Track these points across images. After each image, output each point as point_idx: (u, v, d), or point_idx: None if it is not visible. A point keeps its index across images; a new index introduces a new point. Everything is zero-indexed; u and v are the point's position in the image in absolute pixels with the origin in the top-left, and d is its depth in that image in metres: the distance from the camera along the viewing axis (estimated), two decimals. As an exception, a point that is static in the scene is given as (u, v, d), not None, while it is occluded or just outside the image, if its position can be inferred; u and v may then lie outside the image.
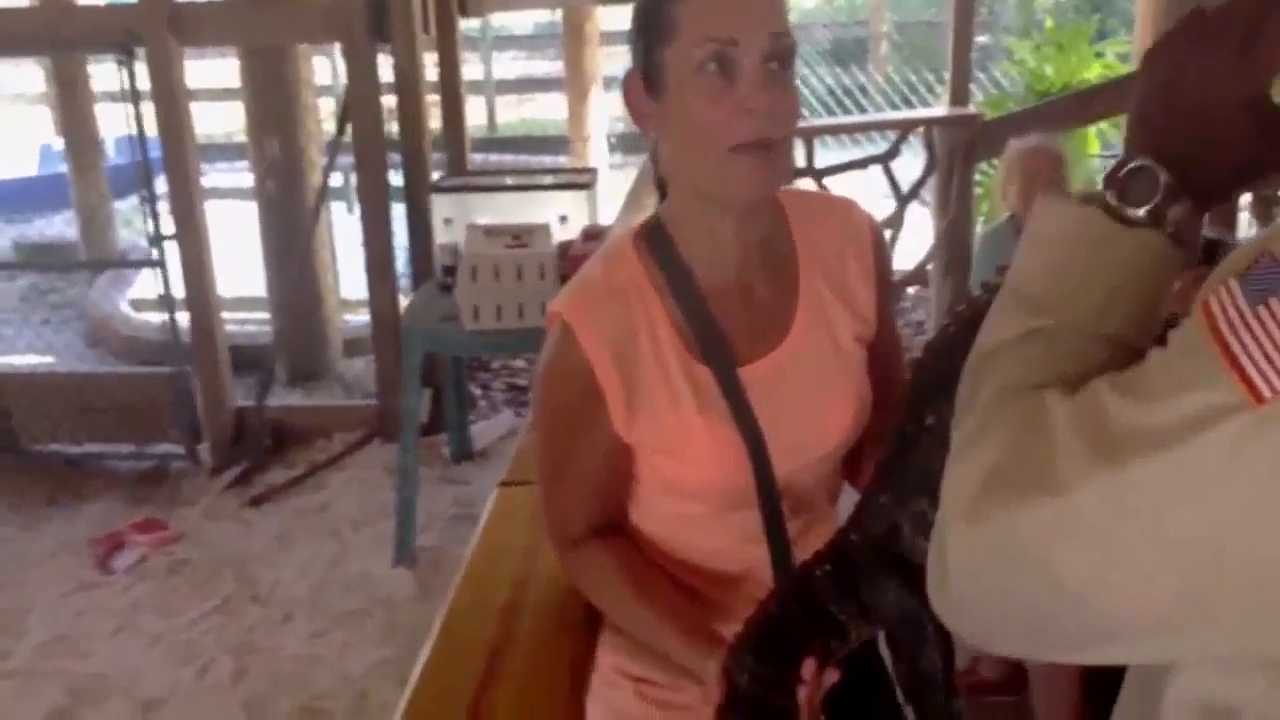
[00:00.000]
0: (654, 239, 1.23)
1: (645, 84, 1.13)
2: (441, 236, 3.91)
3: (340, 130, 4.28)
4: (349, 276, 5.23)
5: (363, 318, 4.79)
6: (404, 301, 4.22)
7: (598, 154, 6.75)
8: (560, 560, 1.31)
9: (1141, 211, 0.70)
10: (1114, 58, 5.56)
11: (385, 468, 4.15)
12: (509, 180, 4.24)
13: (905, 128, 4.46)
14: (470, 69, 4.86)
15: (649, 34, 1.12)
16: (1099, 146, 5.27)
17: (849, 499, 1.36)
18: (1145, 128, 0.72)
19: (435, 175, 4.36)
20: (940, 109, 4.84)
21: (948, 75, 4.59)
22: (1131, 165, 0.71)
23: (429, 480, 3.95)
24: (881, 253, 1.31)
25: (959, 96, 4.56)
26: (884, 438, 1.21)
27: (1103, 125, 5.10)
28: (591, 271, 1.25)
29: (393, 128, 4.24)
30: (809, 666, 1.07)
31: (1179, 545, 0.60)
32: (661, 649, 1.22)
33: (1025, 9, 7.96)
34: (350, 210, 8.09)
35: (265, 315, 5.18)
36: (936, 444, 1.01)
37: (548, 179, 4.31)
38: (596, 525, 1.29)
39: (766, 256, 1.24)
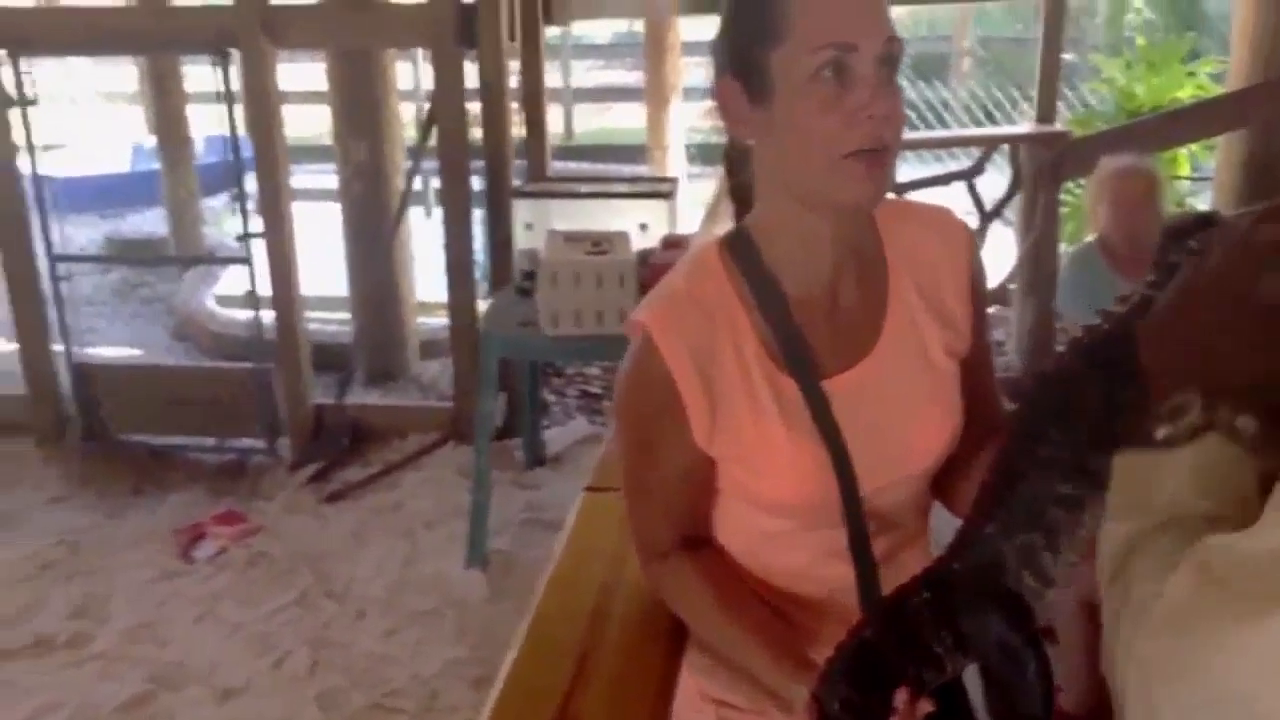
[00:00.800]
0: (739, 248, 1.21)
1: (745, 88, 1.11)
2: (521, 242, 3.95)
3: (425, 135, 4.34)
4: (426, 280, 5.31)
5: (440, 320, 4.84)
6: (482, 306, 4.26)
7: (676, 163, 6.76)
8: (645, 572, 1.30)
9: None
10: (1207, 78, 5.43)
11: (459, 470, 4.18)
12: (589, 188, 4.27)
13: (990, 144, 4.41)
14: (549, 77, 4.89)
15: (752, 36, 1.09)
16: (1189, 168, 5.15)
17: (940, 519, 1.35)
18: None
19: (515, 182, 4.40)
20: (1026, 126, 4.77)
21: (1033, 92, 4.53)
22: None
23: (501, 484, 3.98)
24: (977, 265, 1.27)
25: (1046, 113, 4.49)
26: (982, 460, 1.19)
27: (1194, 147, 4.99)
28: (674, 281, 1.23)
29: (474, 134, 4.28)
30: (901, 696, 1.05)
31: None
32: (747, 668, 1.21)
33: (1114, 27, 7.81)
34: (429, 215, 8.20)
35: (346, 315, 5.26)
36: (1049, 476, 1.00)
37: (628, 187, 4.32)
38: (681, 538, 1.28)
39: (858, 267, 1.22)
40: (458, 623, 3.39)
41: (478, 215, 4.36)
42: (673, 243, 3.65)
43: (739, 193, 1.26)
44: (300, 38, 4.39)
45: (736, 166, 1.24)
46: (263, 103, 4.20)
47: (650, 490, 1.26)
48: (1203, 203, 5.24)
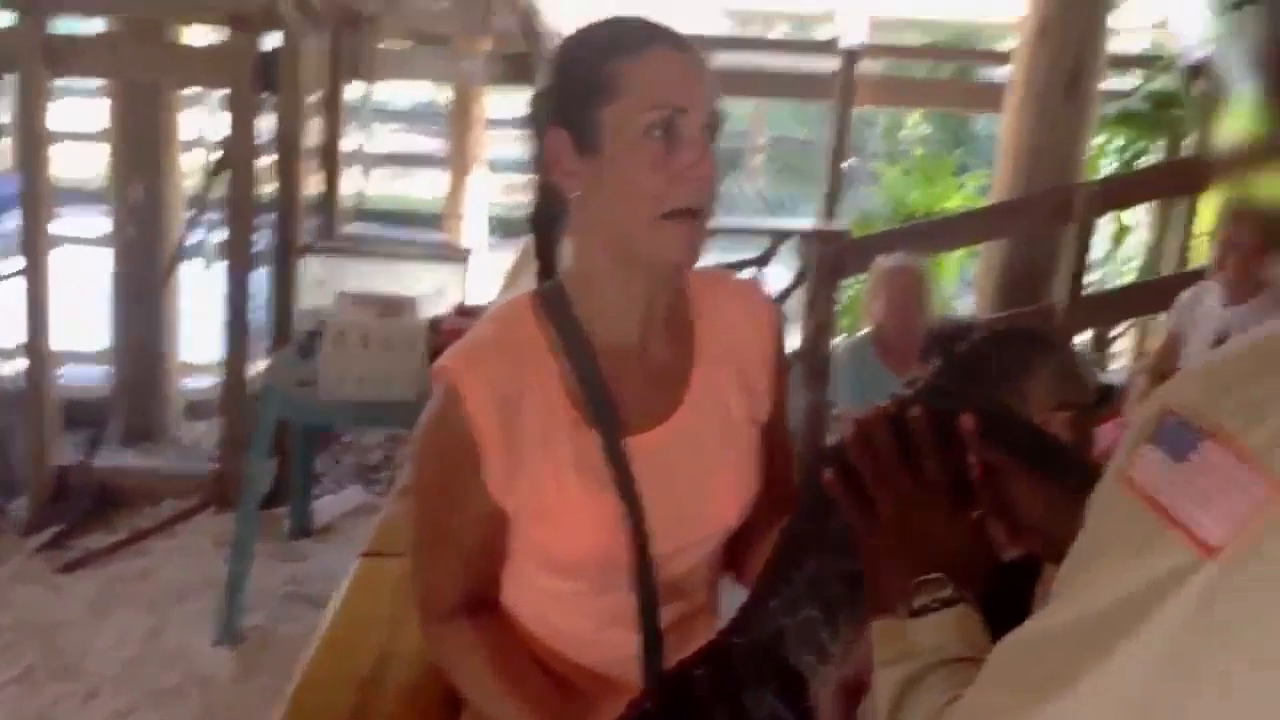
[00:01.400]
0: (553, 301, 1.20)
1: (573, 140, 1.11)
2: (308, 300, 3.79)
3: (211, 182, 4.14)
4: (198, 337, 5.00)
5: (209, 380, 4.58)
6: (259, 366, 4.05)
7: (476, 233, 6.70)
8: (425, 634, 1.24)
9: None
10: (974, 190, 5.86)
11: (217, 539, 3.92)
12: (383, 249, 4.16)
13: (779, 236, 4.58)
14: (345, 139, 4.79)
15: (585, 91, 1.09)
16: (956, 274, 5.51)
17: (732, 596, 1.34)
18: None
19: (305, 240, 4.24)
20: (811, 222, 5.01)
21: (819, 191, 4.76)
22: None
23: (263, 555, 3.74)
24: (780, 336, 1.30)
25: (830, 211, 4.72)
26: (772, 533, 1.19)
27: (959, 254, 5.34)
28: (483, 328, 1.22)
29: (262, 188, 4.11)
30: None
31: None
32: None
33: (891, 138, 8.36)
34: (208, 266, 7.80)
35: (102, 368, 4.89)
36: (833, 552, 1.00)
37: (423, 251, 4.24)
38: (468, 599, 1.22)
39: (667, 327, 1.23)
40: (202, 703, 3.13)
41: (262, 271, 4.17)
42: (466, 310, 3.57)
43: (544, 251, 1.24)
44: (84, 66, 4.13)
45: (544, 224, 1.23)
46: (34, 134, 3.91)
47: (440, 545, 1.21)
48: (965, 307, 5.60)
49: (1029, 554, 0.99)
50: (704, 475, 1.21)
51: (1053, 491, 0.94)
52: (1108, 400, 1.07)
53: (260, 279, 4.20)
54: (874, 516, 0.93)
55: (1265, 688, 0.57)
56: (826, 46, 5.60)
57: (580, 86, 1.10)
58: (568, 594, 1.22)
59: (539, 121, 1.15)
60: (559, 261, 1.25)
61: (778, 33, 8.47)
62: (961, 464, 0.94)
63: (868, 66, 5.50)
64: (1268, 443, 0.56)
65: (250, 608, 3.47)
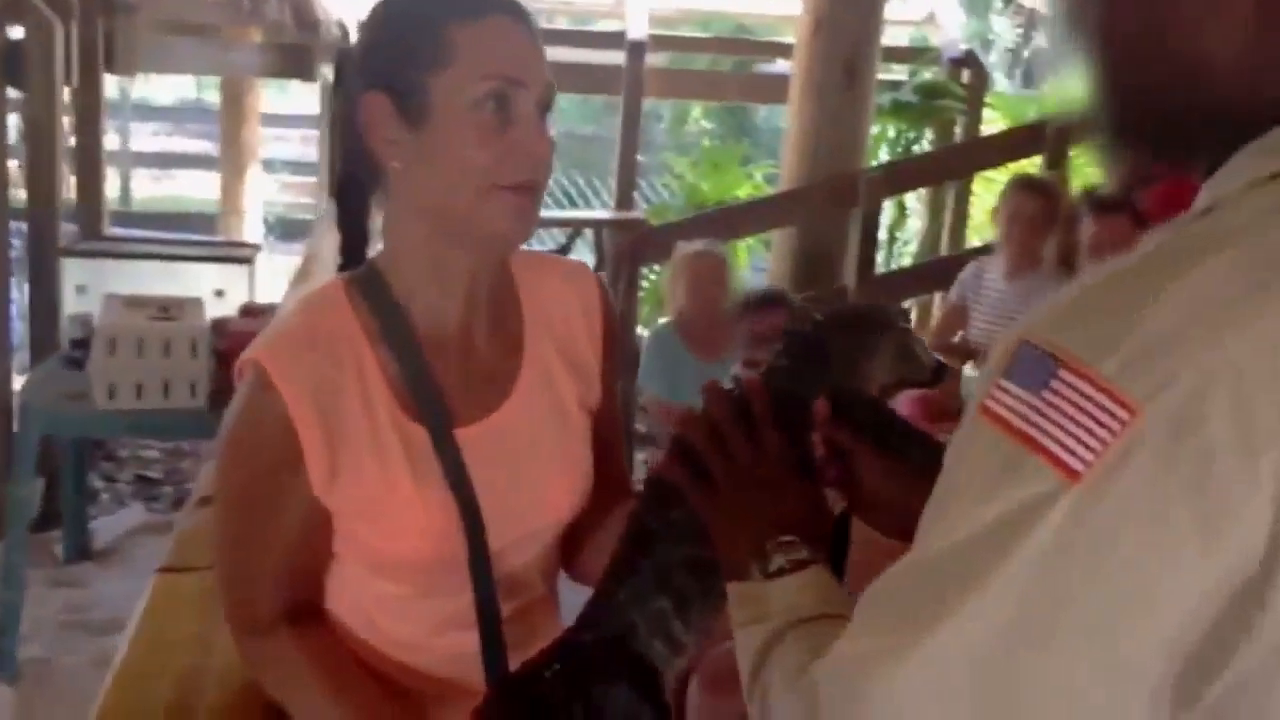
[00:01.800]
0: (368, 285, 1.11)
1: (396, 107, 1.03)
2: (72, 307, 3.51)
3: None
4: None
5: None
6: (20, 380, 3.71)
7: (254, 234, 6.40)
8: (241, 649, 1.15)
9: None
10: (761, 179, 6.03)
11: (-16, 568, 3.57)
12: (156, 249, 3.90)
13: (576, 226, 4.56)
14: (104, 139, 4.46)
15: (412, 55, 1.02)
16: (748, 260, 5.65)
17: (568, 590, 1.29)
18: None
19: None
20: (607, 212, 5.02)
21: (612, 182, 4.77)
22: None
23: (36, 582, 3.43)
24: (610, 318, 1.25)
25: (624, 202, 4.74)
26: (608, 524, 1.17)
27: (750, 241, 5.48)
28: (293, 317, 1.12)
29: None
30: None
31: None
32: None
33: (677, 133, 8.51)
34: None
35: None
36: (680, 540, 0.98)
37: (201, 250, 3.99)
38: (288, 608, 1.13)
39: (492, 313, 1.16)
40: (-23, 749, 2.85)
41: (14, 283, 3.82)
42: (253, 311, 3.39)
43: (350, 227, 1.16)
44: None
45: (351, 197, 1.15)
46: None
47: (255, 552, 1.10)
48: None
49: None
50: (537, 465, 1.16)
51: (899, 470, 0.95)
52: (940, 377, 1.09)
53: (12, 290, 3.86)
54: (714, 488, 0.92)
55: (1125, 607, 0.58)
56: (613, 39, 5.62)
57: (406, 49, 1.02)
58: (399, 596, 1.14)
59: (352, 81, 1.07)
60: (368, 241, 1.17)
61: (559, 27, 8.47)
62: (804, 442, 0.95)
63: (651, 59, 5.55)
64: (1120, 369, 0.57)
65: (27, 638, 3.18)
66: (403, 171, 1.05)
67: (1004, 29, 10.70)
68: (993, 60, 9.60)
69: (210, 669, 1.25)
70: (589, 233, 4.57)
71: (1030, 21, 11.21)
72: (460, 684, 1.14)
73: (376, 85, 1.03)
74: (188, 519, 1.52)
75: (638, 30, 5.40)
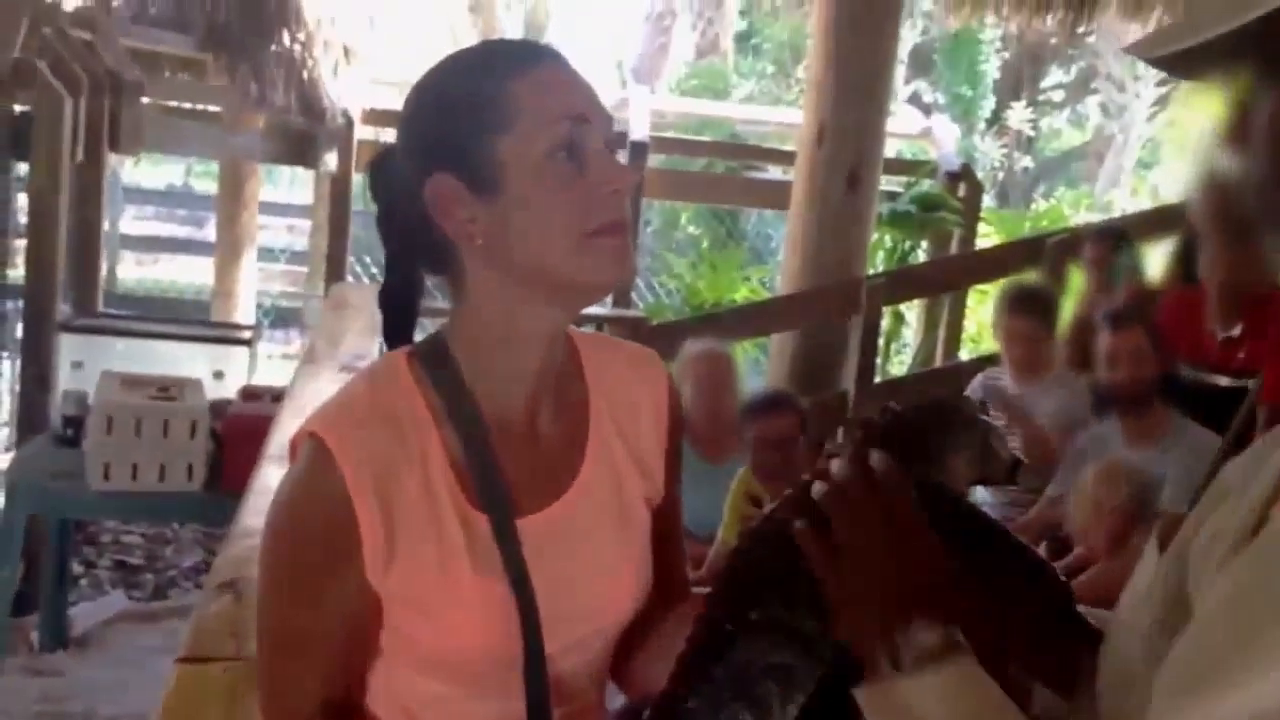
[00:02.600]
0: (433, 360, 1.06)
1: (466, 182, 0.98)
2: (66, 383, 3.44)
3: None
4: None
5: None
6: (5, 459, 3.62)
7: (246, 320, 6.35)
8: (276, 748, 1.06)
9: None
10: (757, 283, 6.08)
11: (-47, 653, 3.43)
12: (155, 327, 3.84)
13: (576, 322, 4.55)
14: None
15: (470, 126, 0.98)
16: (743, 363, 5.64)
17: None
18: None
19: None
20: (606, 309, 5.01)
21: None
22: None
23: (11, 670, 3.31)
24: (676, 412, 1.19)
25: (622, 299, 4.74)
26: (661, 630, 1.12)
27: (746, 344, 5.48)
28: (355, 389, 1.07)
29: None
30: None
31: None
32: None
33: (665, 238, 8.60)
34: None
35: None
36: (759, 643, 0.91)
37: (201, 331, 3.94)
38: (328, 703, 1.06)
39: (559, 395, 1.11)
40: None
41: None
42: (252, 394, 3.32)
43: (397, 304, 1.10)
44: None
45: (398, 276, 1.09)
46: None
47: (299, 643, 1.04)
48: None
49: None
50: (598, 560, 1.10)
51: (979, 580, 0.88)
52: (1014, 473, 1.05)
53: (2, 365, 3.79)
54: (842, 562, 0.85)
55: None
56: (614, 140, 5.67)
57: (463, 121, 0.99)
58: (446, 697, 1.07)
59: (406, 168, 1.02)
60: (415, 321, 1.11)
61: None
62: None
63: (649, 160, 5.62)
64: None
65: (-4, 731, 3.04)
66: (475, 249, 1.01)
67: (989, 148, 10.96)
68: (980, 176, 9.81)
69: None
70: (593, 330, 4.56)
71: (1015, 143, 11.52)
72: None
73: (440, 167, 0.99)
74: (208, 605, 1.44)
75: (639, 131, 5.47)
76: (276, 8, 5.50)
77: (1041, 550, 2.99)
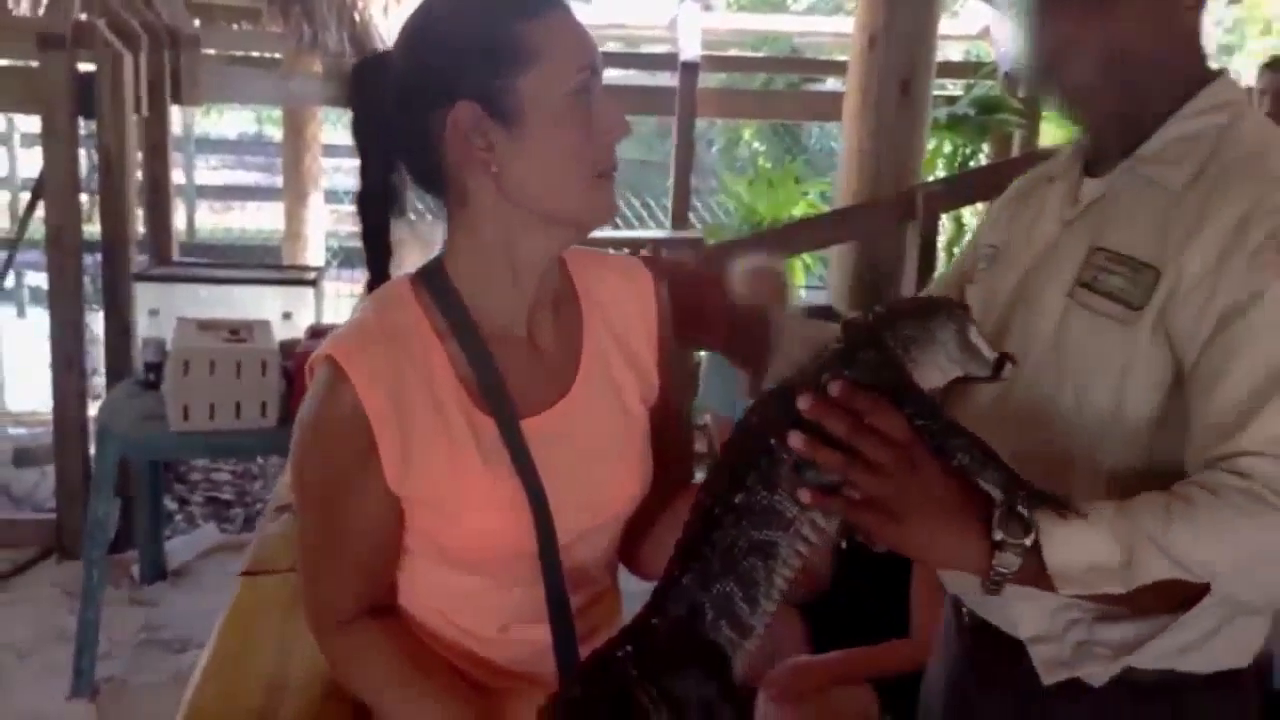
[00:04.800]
0: (435, 283, 1.14)
1: (489, 112, 1.05)
2: (145, 331, 3.59)
3: (25, 221, 3.87)
4: (18, 388, 4.68)
5: (39, 427, 4.28)
6: (95, 407, 3.80)
7: (315, 262, 6.50)
8: (323, 646, 1.17)
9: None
10: (816, 196, 6.02)
11: (63, 588, 3.66)
12: (225, 273, 3.97)
13: (633, 246, 4.58)
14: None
15: (494, 59, 1.04)
16: (804, 277, 5.63)
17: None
18: None
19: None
20: (664, 232, 5.04)
21: (666, 202, 4.78)
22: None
23: (114, 602, 3.51)
24: (665, 312, 1.27)
25: (680, 222, 4.75)
26: (666, 517, 1.20)
27: (807, 258, 5.47)
28: (364, 315, 1.15)
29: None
30: None
31: None
32: None
33: (729, 155, 8.53)
34: (21, 314, 7.32)
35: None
36: (745, 523, 1.00)
37: (268, 274, 4.07)
38: (366, 603, 1.16)
39: (553, 308, 1.19)
40: (61, 761, 2.91)
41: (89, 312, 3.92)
42: (320, 332, 3.44)
43: (376, 237, 1.17)
44: None
45: (372, 210, 1.16)
46: None
47: (334, 546, 1.13)
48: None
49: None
50: (601, 455, 1.18)
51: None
52: (1002, 370, 1.08)
53: (87, 320, 3.95)
54: (884, 472, 0.97)
55: None
56: (666, 61, 5.65)
57: (484, 55, 1.04)
58: (471, 590, 1.16)
59: (419, 95, 1.07)
60: (391, 253, 1.18)
61: (611, 50, 8.54)
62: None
63: (705, 80, 5.57)
64: None
65: (105, 657, 3.25)
66: (498, 174, 1.07)
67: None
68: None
69: (293, 672, 1.27)
70: (648, 251, 4.59)
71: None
72: (533, 677, 1.16)
73: (462, 95, 1.05)
74: (267, 525, 1.55)
75: (690, 51, 5.43)
76: (326, -50, 5.56)
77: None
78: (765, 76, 7.88)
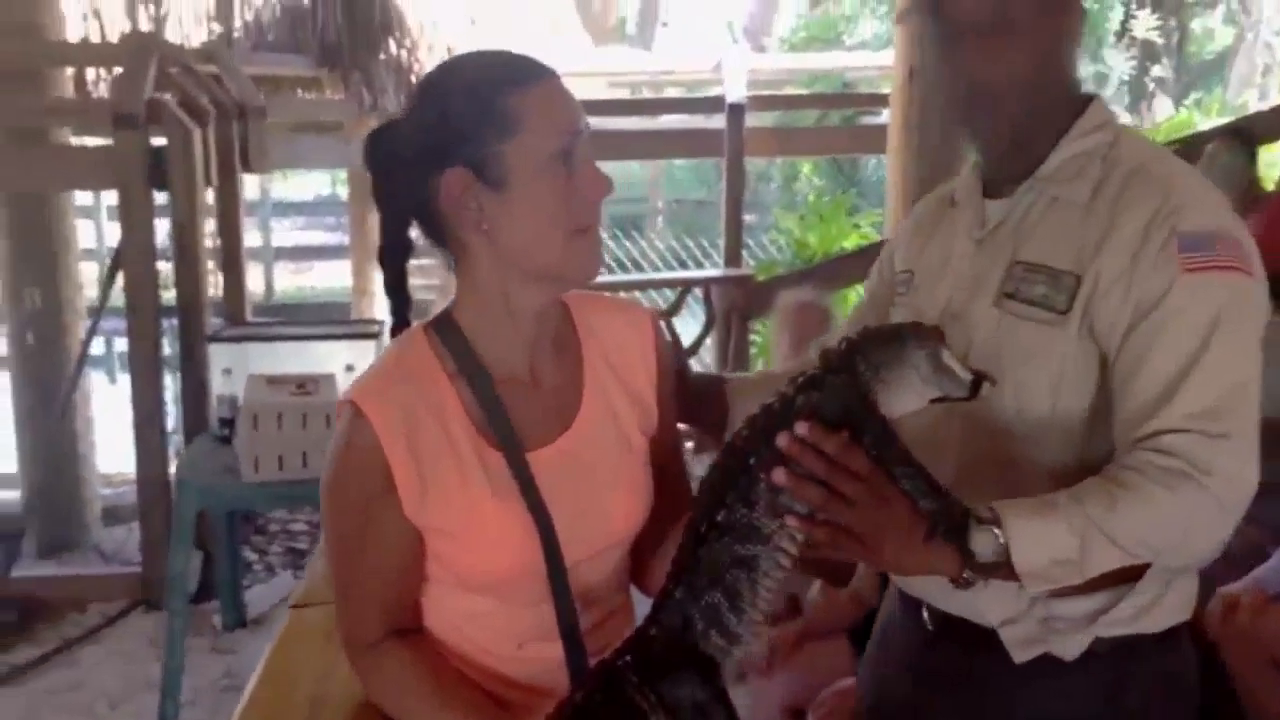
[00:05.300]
0: (444, 329, 1.25)
1: (479, 177, 1.15)
2: (219, 388, 3.77)
3: (107, 288, 4.08)
4: (109, 449, 4.91)
5: (123, 489, 4.48)
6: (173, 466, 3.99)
7: (383, 312, 6.71)
8: (355, 666, 1.27)
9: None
10: (869, 228, 6.06)
11: (149, 640, 3.83)
12: (291, 330, 4.15)
13: (686, 285, 4.68)
14: (247, 236, 4.75)
15: (482, 128, 1.14)
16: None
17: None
18: None
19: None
20: (715, 271, 5.13)
21: (720, 242, 4.88)
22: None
23: (197, 650, 3.67)
24: (663, 348, 1.36)
25: (733, 260, 4.84)
26: (670, 539, 1.25)
27: (859, 288, 5.49)
28: (382, 360, 1.27)
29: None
30: None
31: None
32: None
33: (788, 191, 8.60)
34: (113, 381, 7.64)
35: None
36: (726, 538, 1.09)
37: (332, 329, 4.23)
38: (393, 625, 1.26)
39: (555, 349, 1.29)
40: (149, 804, 3.04)
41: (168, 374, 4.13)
42: (380, 382, 3.58)
43: (398, 287, 1.26)
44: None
45: (396, 262, 1.25)
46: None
47: (361, 573, 1.23)
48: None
49: None
50: (604, 483, 1.27)
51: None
52: (979, 389, 1.15)
53: (167, 381, 4.15)
54: (853, 506, 1.08)
55: None
56: (714, 103, 5.77)
57: (474, 124, 1.14)
58: (486, 611, 1.25)
59: (414, 160, 1.17)
60: (411, 301, 1.28)
61: (666, 96, 8.69)
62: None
63: (759, 119, 5.68)
64: None
65: (189, 704, 3.39)
66: (480, 236, 1.18)
67: (1118, 62, 10.51)
68: (1109, 94, 9.44)
69: (330, 695, 1.37)
70: (699, 292, 4.67)
71: (1145, 53, 11.00)
72: (549, 691, 1.24)
73: (454, 162, 1.15)
74: (315, 562, 1.66)
75: (735, 93, 5.55)
76: (381, 19, 5.81)
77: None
78: (819, 113, 7.96)
